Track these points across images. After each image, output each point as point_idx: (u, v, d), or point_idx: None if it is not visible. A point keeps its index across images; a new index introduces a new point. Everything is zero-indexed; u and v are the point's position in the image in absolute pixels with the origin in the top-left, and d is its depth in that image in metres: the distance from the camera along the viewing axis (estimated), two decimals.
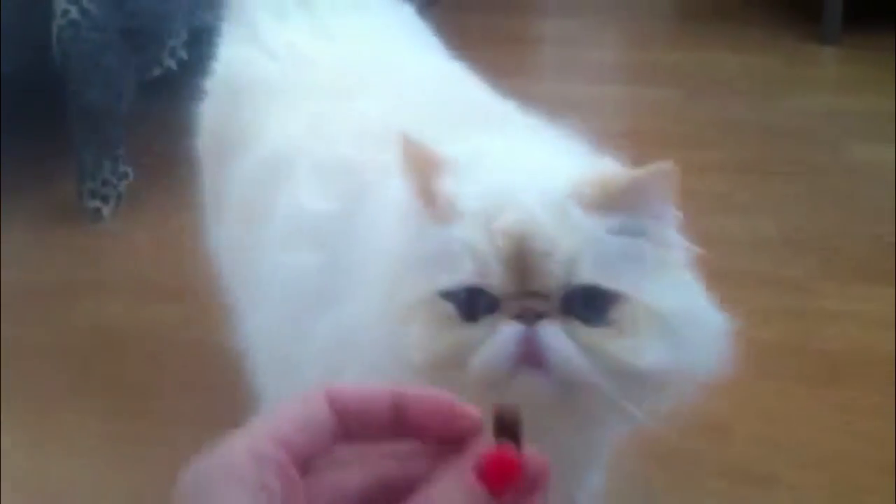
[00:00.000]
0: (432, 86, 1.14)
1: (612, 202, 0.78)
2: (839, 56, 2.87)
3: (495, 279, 0.76)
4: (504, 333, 0.75)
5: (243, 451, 0.44)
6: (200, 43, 2.26)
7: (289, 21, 1.27)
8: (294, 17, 1.27)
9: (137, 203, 2.15)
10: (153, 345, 1.71)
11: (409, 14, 1.36)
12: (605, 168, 0.84)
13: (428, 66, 1.24)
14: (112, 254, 2.03)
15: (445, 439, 0.48)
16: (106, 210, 2.11)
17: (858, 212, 1.97)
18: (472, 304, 0.77)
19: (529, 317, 0.75)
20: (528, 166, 0.85)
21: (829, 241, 1.83)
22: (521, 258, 0.75)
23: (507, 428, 0.46)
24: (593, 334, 0.75)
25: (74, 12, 1.95)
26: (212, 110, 1.30)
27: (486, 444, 0.46)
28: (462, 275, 0.77)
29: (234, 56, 1.31)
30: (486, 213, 0.78)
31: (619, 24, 3.31)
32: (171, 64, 2.14)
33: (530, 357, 0.74)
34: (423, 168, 0.82)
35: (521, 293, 0.76)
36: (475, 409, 0.47)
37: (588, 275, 0.76)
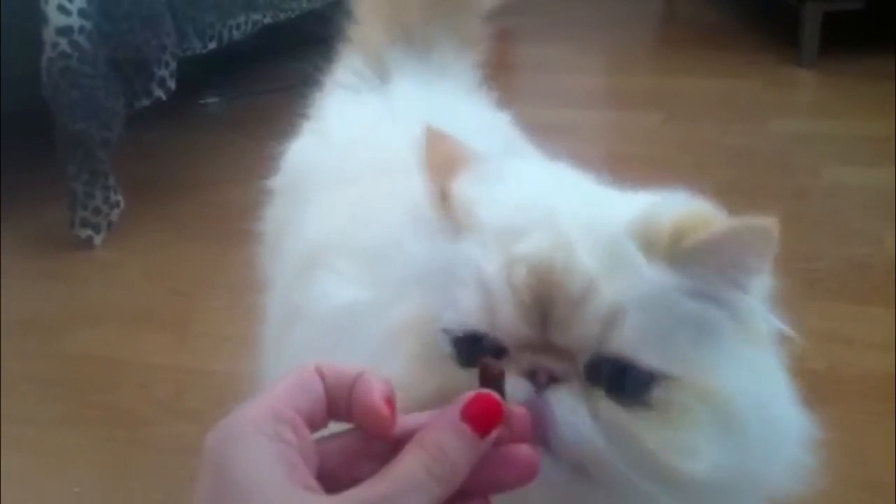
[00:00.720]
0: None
1: (686, 254, 0.59)
2: (816, 79, 2.91)
3: (504, 320, 0.58)
4: None
5: (262, 409, 0.49)
6: (189, 72, 2.30)
7: (360, 103, 1.13)
8: (368, 101, 1.13)
9: (128, 231, 2.17)
10: (145, 373, 1.71)
11: (503, 120, 1.18)
12: (685, 207, 0.62)
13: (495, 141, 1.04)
14: (103, 282, 2.04)
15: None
16: (97, 239, 2.13)
17: (839, 234, 1.99)
18: (474, 346, 0.60)
19: (541, 378, 0.57)
20: (581, 190, 0.67)
21: (810, 262, 1.86)
22: (543, 299, 0.58)
23: (492, 380, 0.52)
24: (625, 416, 0.57)
25: (64, 44, 1.96)
26: (272, 212, 1.16)
27: (472, 391, 0.51)
28: (464, 311, 0.60)
29: (296, 149, 1.15)
30: (509, 230, 0.60)
31: (600, 51, 3.35)
32: (160, 93, 2.17)
33: (533, 430, 0.55)
34: (445, 164, 0.65)
35: (537, 345, 0.58)
36: (392, 427, 0.51)
37: (631, 340, 0.57)
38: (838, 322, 1.70)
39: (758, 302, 0.62)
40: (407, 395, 0.58)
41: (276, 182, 1.16)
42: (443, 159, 0.66)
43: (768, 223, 0.59)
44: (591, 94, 3.05)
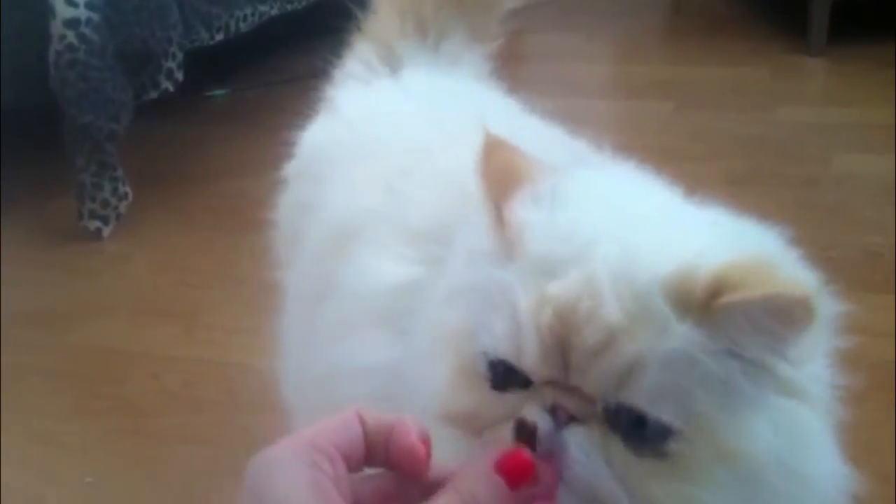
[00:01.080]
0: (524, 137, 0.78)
1: (718, 314, 0.56)
2: (825, 67, 2.89)
3: (528, 357, 0.58)
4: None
5: (302, 439, 0.53)
6: (196, 64, 2.30)
7: (371, 89, 1.13)
8: (380, 86, 1.13)
9: (137, 223, 2.17)
10: (154, 364, 1.72)
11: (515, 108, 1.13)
12: (736, 255, 0.59)
13: (518, 121, 1.04)
14: (112, 274, 2.05)
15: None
16: (106, 230, 2.13)
17: (849, 222, 1.99)
18: (506, 372, 0.60)
19: (561, 415, 0.57)
20: (635, 216, 0.63)
21: (821, 251, 1.83)
22: (564, 342, 0.57)
23: (526, 435, 0.56)
24: (638, 465, 0.57)
25: (71, 37, 1.96)
26: (286, 198, 1.15)
27: (507, 444, 0.55)
28: (497, 338, 0.60)
29: (310, 134, 1.14)
30: (548, 264, 0.59)
31: (610, 40, 3.34)
32: (168, 85, 2.17)
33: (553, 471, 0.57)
34: (503, 178, 0.64)
35: (560, 384, 0.58)
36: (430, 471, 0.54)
37: (647, 394, 0.56)
38: (851, 312, 1.69)
39: (796, 366, 0.60)
40: (443, 407, 0.63)
41: (291, 168, 1.16)
42: (501, 172, 0.64)
43: (808, 295, 0.56)
44: (601, 83, 3.05)
